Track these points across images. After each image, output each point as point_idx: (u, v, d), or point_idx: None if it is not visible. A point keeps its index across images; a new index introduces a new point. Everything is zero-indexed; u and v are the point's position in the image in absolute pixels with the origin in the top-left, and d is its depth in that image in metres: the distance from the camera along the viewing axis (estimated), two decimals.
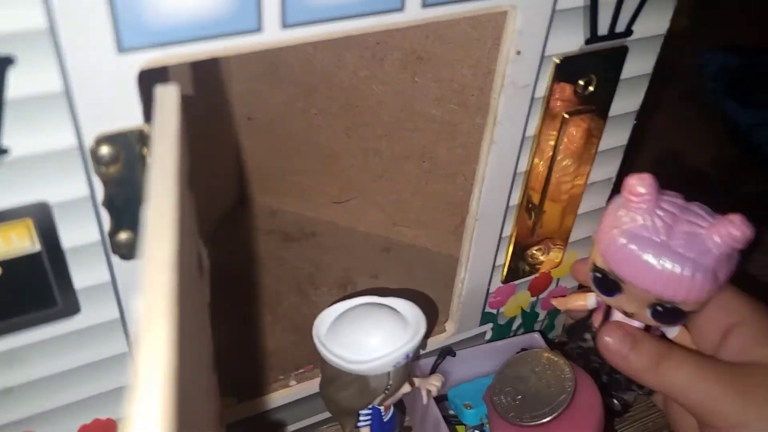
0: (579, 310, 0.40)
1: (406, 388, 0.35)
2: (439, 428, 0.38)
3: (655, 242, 0.33)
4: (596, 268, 0.36)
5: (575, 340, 0.40)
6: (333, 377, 0.33)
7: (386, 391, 0.33)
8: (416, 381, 0.38)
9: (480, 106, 0.40)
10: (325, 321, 0.34)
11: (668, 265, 0.32)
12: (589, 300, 0.39)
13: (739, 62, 0.77)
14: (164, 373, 0.15)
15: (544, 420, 0.34)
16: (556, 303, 0.42)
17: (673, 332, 0.37)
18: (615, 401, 0.39)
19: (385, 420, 0.36)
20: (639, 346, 0.35)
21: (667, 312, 0.34)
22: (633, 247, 0.33)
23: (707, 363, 0.35)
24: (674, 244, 0.32)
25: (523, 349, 0.41)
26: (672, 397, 0.35)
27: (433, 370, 0.42)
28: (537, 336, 0.44)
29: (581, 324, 0.41)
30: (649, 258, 0.33)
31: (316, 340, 0.33)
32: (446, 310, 0.43)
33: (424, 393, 0.38)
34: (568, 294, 0.44)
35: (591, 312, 0.40)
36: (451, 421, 0.42)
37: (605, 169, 0.39)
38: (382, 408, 0.36)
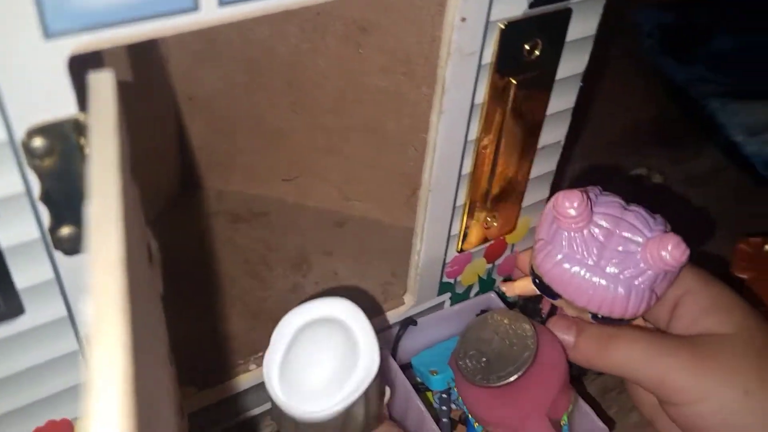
0: (527, 294, 0.41)
1: (387, 394, 0.34)
2: (409, 397, 0.38)
3: (588, 264, 0.33)
4: (534, 275, 0.36)
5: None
6: (306, 427, 0.30)
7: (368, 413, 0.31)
8: None
9: (426, 75, 0.40)
10: (272, 371, 0.30)
11: (601, 286, 0.33)
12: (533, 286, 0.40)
13: (673, 18, 0.78)
14: (120, 372, 0.15)
15: (511, 379, 0.35)
16: (504, 289, 0.41)
17: None
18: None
19: None
20: (586, 333, 0.36)
21: (608, 320, 0.35)
22: (566, 266, 0.33)
23: (658, 339, 0.35)
24: (607, 264, 0.32)
25: (483, 311, 0.41)
26: (627, 378, 0.36)
27: (396, 342, 0.42)
28: (494, 296, 0.44)
29: (532, 305, 0.41)
30: (582, 279, 0.33)
31: (279, 403, 0.29)
32: (403, 282, 0.42)
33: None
34: (516, 262, 0.44)
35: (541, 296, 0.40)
36: (419, 389, 0.42)
37: (554, 133, 0.40)
38: None
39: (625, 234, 0.33)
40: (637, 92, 0.74)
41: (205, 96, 0.46)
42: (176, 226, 0.46)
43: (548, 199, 0.42)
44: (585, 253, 0.33)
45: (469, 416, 0.38)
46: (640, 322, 0.38)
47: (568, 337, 0.36)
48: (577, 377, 0.41)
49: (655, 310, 0.37)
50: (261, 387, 0.39)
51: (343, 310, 0.32)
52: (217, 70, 0.44)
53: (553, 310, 0.38)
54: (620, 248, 0.32)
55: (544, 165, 0.41)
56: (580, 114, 0.40)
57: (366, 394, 0.30)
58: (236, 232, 0.47)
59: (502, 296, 0.45)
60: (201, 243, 0.46)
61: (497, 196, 0.40)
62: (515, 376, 0.35)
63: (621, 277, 0.32)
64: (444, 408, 0.40)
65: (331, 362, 0.30)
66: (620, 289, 0.32)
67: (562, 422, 0.36)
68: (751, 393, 0.32)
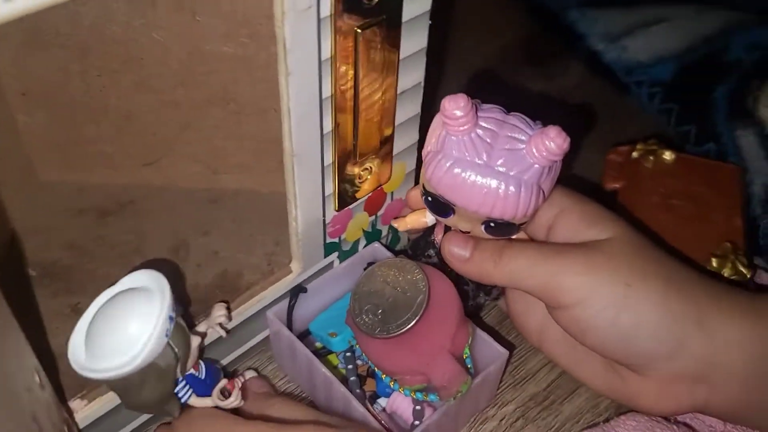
0: (420, 228, 0.41)
1: (195, 341, 0.34)
2: (311, 365, 0.38)
3: (477, 164, 0.33)
4: (426, 192, 0.36)
5: (419, 257, 0.41)
6: (125, 386, 0.31)
7: (178, 359, 0.32)
8: (202, 325, 0.37)
9: (271, 35, 0.38)
10: (77, 348, 0.32)
11: (492, 185, 0.33)
12: (428, 217, 0.40)
13: None
14: None
15: (410, 325, 0.35)
16: (396, 225, 0.41)
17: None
18: (478, 297, 0.41)
19: (202, 378, 0.35)
20: (480, 246, 0.36)
21: (500, 227, 0.35)
22: (456, 171, 0.33)
23: (545, 247, 0.36)
24: (496, 163, 0.33)
25: (370, 263, 0.41)
26: (519, 287, 0.36)
27: (290, 312, 0.41)
28: (378, 246, 0.44)
29: (423, 240, 0.41)
30: (473, 181, 0.33)
31: (78, 369, 0.31)
32: (288, 250, 0.41)
33: (218, 329, 0.37)
34: (404, 208, 0.44)
35: (432, 228, 0.40)
36: (321, 354, 0.42)
37: (412, 76, 0.39)
38: (192, 370, 0.34)
39: (510, 134, 0.33)
40: (499, 17, 0.74)
41: (41, 89, 0.42)
42: (39, 231, 0.43)
43: (419, 142, 0.42)
44: (474, 154, 0.33)
45: (376, 370, 0.38)
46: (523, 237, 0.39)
47: (463, 252, 0.36)
48: (474, 313, 0.42)
49: (534, 234, 0.38)
50: None
51: (146, 278, 0.33)
52: (48, 60, 0.41)
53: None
54: (507, 147, 0.33)
55: (409, 108, 0.40)
56: (442, 50, 0.39)
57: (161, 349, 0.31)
58: (105, 227, 0.44)
59: (386, 245, 0.45)
60: (67, 245, 0.43)
61: (366, 149, 0.39)
62: (413, 322, 0.35)
63: (510, 174, 0.32)
64: (350, 366, 0.40)
65: (130, 326, 0.30)
66: (511, 187, 0.32)
67: (465, 356, 0.37)
68: (632, 286, 0.34)
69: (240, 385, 0.37)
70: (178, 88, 0.42)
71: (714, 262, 0.44)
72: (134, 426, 0.38)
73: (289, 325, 0.41)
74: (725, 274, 0.44)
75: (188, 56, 0.40)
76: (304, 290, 0.42)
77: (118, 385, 0.31)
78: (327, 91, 0.34)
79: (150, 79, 0.41)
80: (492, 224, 0.35)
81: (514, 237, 0.37)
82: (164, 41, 0.39)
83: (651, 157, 0.53)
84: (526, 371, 0.44)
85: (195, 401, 0.34)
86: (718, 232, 0.47)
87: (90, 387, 0.35)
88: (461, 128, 0.33)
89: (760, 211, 0.52)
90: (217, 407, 0.35)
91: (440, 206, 0.35)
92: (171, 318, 0.31)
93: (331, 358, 0.42)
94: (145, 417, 0.38)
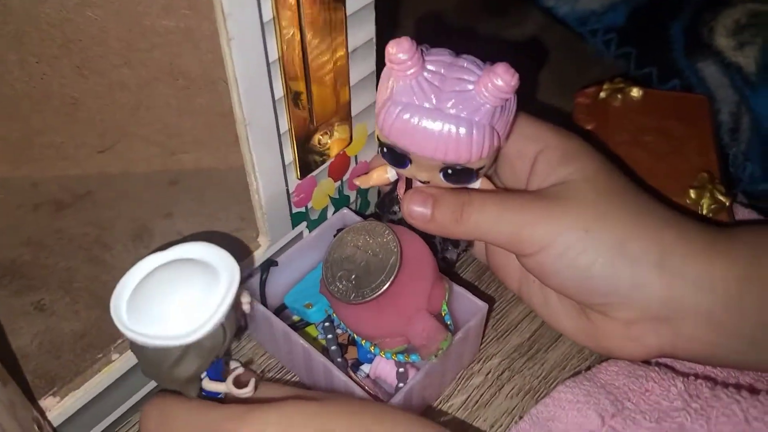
0: (383, 184, 0.40)
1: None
2: (289, 338, 0.37)
3: (426, 108, 0.32)
4: (381, 143, 0.35)
5: (386, 214, 0.40)
6: (159, 357, 0.30)
7: (224, 342, 0.31)
8: None
9: (210, 4, 0.36)
10: (122, 299, 0.30)
11: (444, 128, 0.32)
12: (390, 172, 0.39)
13: None
14: None
15: (384, 287, 0.34)
16: (359, 182, 0.41)
17: (475, 186, 0.37)
18: (449, 252, 0.40)
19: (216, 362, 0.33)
20: (440, 203, 0.35)
21: (458, 173, 0.34)
22: (406, 117, 0.32)
23: (507, 197, 0.35)
24: (445, 106, 0.32)
25: (339, 230, 0.40)
26: (485, 240, 0.36)
27: (262, 287, 0.40)
28: (347, 211, 0.43)
29: (389, 197, 0.40)
30: (423, 126, 0.32)
31: (121, 328, 0.29)
32: (254, 224, 0.40)
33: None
34: (369, 169, 0.43)
35: (396, 183, 0.39)
36: (300, 326, 0.41)
37: (362, 32, 0.37)
38: None
39: (459, 76, 0.32)
40: None
41: None
42: None
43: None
44: (423, 98, 0.32)
45: (356, 337, 0.37)
46: (497, 184, 0.38)
47: (424, 210, 0.36)
48: (447, 269, 0.41)
49: (517, 171, 0.38)
50: (132, 372, 0.36)
51: (212, 254, 0.32)
52: None
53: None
54: (456, 88, 0.32)
55: (363, 67, 0.39)
56: (394, 2, 0.38)
57: (222, 325, 0.30)
58: (63, 220, 0.43)
59: (355, 210, 0.44)
60: (24, 242, 0.41)
61: (323, 112, 0.38)
62: (387, 284, 0.34)
63: (461, 116, 0.32)
64: (329, 336, 0.39)
65: (187, 297, 0.29)
66: (461, 129, 0.32)
67: (443, 312, 0.36)
68: (591, 231, 0.34)
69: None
70: (122, 67, 0.40)
71: (692, 194, 0.44)
72: (112, 420, 0.37)
73: (263, 300, 0.40)
74: (704, 205, 0.44)
75: (128, 33, 0.39)
76: (275, 264, 0.41)
77: (152, 354, 0.29)
78: (273, 55, 0.33)
79: (91, 61, 0.40)
80: (449, 171, 0.34)
81: (480, 187, 0.36)
82: (101, 20, 0.38)
83: (619, 96, 0.52)
84: (508, 323, 0.44)
85: (208, 385, 0.32)
86: (693, 163, 0.46)
87: (61, 384, 0.34)
88: (407, 72, 0.32)
89: (728, 140, 0.52)
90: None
91: (396, 156, 0.34)
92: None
93: (310, 329, 0.41)
94: (122, 410, 0.37)
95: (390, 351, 0.36)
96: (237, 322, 0.32)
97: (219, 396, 0.33)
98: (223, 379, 0.32)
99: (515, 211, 0.35)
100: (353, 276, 0.35)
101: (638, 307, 0.34)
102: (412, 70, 0.32)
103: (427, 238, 0.37)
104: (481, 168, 0.34)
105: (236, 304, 0.32)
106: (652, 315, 0.34)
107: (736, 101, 0.52)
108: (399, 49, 0.31)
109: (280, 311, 0.41)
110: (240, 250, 0.40)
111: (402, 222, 0.38)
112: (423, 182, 0.36)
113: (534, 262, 0.35)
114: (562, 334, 0.40)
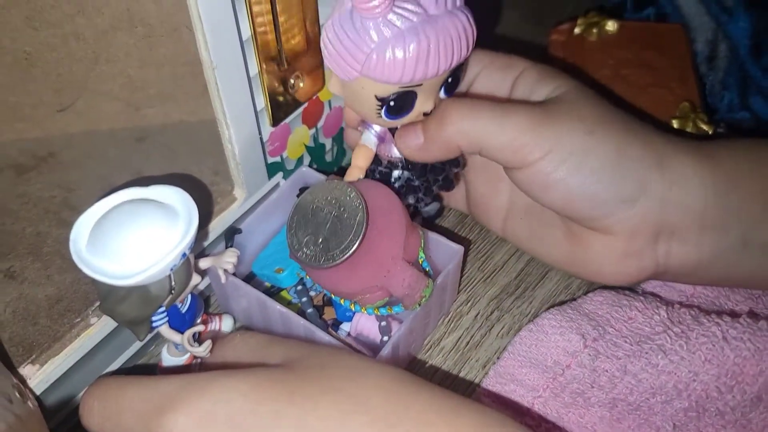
0: (370, 160, 0.37)
1: (195, 279, 0.32)
2: (264, 305, 0.36)
3: (426, 22, 0.30)
4: (383, 98, 0.32)
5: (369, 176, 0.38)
6: (107, 291, 0.29)
7: (171, 294, 0.30)
8: (207, 261, 0.35)
9: None
10: (82, 230, 0.29)
11: (452, 29, 0.31)
12: (370, 143, 0.37)
13: None
14: None
15: (354, 247, 0.32)
16: (351, 176, 0.37)
17: None
18: (426, 209, 0.39)
19: (183, 311, 0.32)
20: (430, 124, 0.34)
21: (456, 79, 0.34)
22: (414, 44, 0.30)
23: (499, 107, 0.34)
24: (431, 11, 0.30)
25: (302, 189, 0.39)
26: (482, 149, 0.34)
27: None
28: (305, 169, 0.41)
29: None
30: (437, 39, 0.30)
31: (74, 257, 0.28)
32: (229, 177, 0.39)
33: (221, 273, 0.35)
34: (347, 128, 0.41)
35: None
36: (273, 292, 0.39)
37: None
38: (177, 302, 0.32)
39: None
40: None
41: None
42: None
43: None
44: (415, 16, 0.30)
45: (333, 296, 0.36)
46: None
47: (416, 139, 0.34)
48: (437, 213, 0.40)
49: (494, 91, 0.37)
50: (115, 334, 0.35)
51: (177, 200, 0.30)
52: None
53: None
54: None
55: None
56: None
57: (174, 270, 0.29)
58: (26, 184, 0.41)
59: (316, 168, 0.42)
60: None
61: (293, 55, 0.36)
62: (357, 243, 0.32)
63: (451, 8, 0.31)
64: (304, 299, 0.38)
65: (144, 238, 0.28)
66: (462, 19, 0.31)
67: (420, 260, 0.35)
68: (594, 132, 0.33)
69: (216, 327, 0.35)
70: (76, 17, 0.38)
71: (675, 124, 0.44)
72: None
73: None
74: None
75: None
76: (239, 231, 0.39)
77: (101, 287, 0.29)
78: None
79: (43, 12, 0.37)
80: (450, 79, 0.33)
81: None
82: None
83: (594, 30, 0.51)
84: (494, 264, 0.43)
85: (165, 331, 0.32)
86: (674, 94, 0.46)
87: (39, 350, 0.33)
88: (384, 5, 0.29)
89: (705, 69, 0.51)
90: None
91: (404, 100, 0.32)
92: (184, 254, 0.29)
93: (284, 295, 0.40)
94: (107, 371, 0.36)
95: (371, 306, 0.35)
96: (188, 277, 0.31)
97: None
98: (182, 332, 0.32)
99: (509, 119, 0.33)
100: (320, 239, 0.34)
101: (640, 211, 0.34)
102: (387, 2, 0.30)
103: (411, 181, 0.36)
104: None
105: (194, 261, 0.31)
106: (653, 222, 0.34)
107: (713, 29, 0.51)
108: None
109: (248, 281, 0.39)
110: (214, 204, 0.39)
111: (387, 176, 0.37)
112: (426, 114, 0.34)
113: (532, 172, 0.34)
114: (552, 265, 0.39)
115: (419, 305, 0.34)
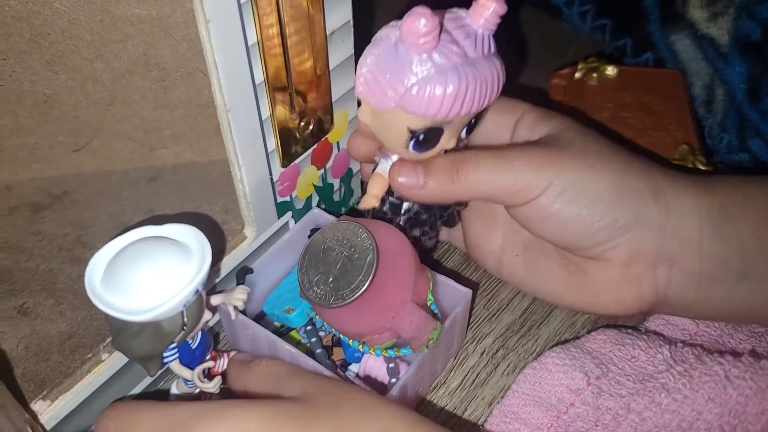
0: (385, 189, 0.38)
1: (206, 316, 0.32)
2: (274, 345, 0.36)
3: (466, 64, 0.31)
4: (414, 131, 0.33)
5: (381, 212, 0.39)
6: (120, 327, 0.30)
7: (183, 330, 0.30)
8: (218, 298, 0.35)
9: None
10: (97, 267, 0.30)
11: (488, 73, 0.32)
12: (386, 173, 0.37)
13: None
14: None
15: (364, 287, 0.33)
16: (365, 205, 0.38)
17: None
18: (427, 240, 0.40)
19: (194, 347, 0.33)
20: (431, 168, 0.35)
21: (477, 120, 0.35)
22: (455, 84, 0.31)
23: (499, 151, 0.36)
24: (470, 54, 0.32)
25: (314, 230, 0.39)
26: (482, 195, 0.36)
27: None
28: (317, 211, 0.42)
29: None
30: (470, 80, 0.32)
31: (89, 293, 0.29)
32: (239, 216, 0.40)
33: (231, 310, 0.36)
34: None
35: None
36: (282, 333, 0.40)
37: (340, 13, 0.37)
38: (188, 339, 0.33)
39: (458, 23, 0.32)
40: None
41: None
42: None
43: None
44: (457, 58, 0.31)
45: (341, 336, 0.36)
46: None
47: (416, 178, 0.35)
48: (428, 257, 0.41)
49: (497, 136, 0.38)
50: (125, 370, 0.35)
51: (192, 238, 0.31)
52: None
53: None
54: (464, 34, 0.32)
55: (342, 50, 0.39)
56: None
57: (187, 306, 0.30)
58: (41, 222, 0.42)
59: (326, 209, 0.43)
60: (5, 246, 0.40)
61: (303, 98, 0.37)
62: (367, 284, 0.33)
63: (486, 54, 0.33)
64: (313, 339, 0.38)
65: (158, 275, 0.29)
66: (497, 64, 0.33)
67: (429, 302, 0.36)
68: (594, 166, 0.35)
69: (224, 365, 0.35)
70: (94, 61, 0.39)
71: None
72: None
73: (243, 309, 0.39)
74: None
75: (100, 24, 0.38)
76: (250, 271, 0.39)
77: (114, 322, 0.30)
78: (252, 38, 0.32)
79: (63, 56, 0.39)
80: (473, 120, 0.35)
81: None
82: (70, 11, 0.37)
83: (594, 75, 0.52)
84: (498, 303, 0.43)
85: (176, 367, 0.32)
86: (673, 137, 0.47)
87: (50, 386, 0.33)
88: (433, 42, 0.31)
89: (703, 112, 0.53)
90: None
91: (433, 135, 0.34)
92: (197, 291, 0.30)
93: (293, 334, 0.40)
94: None
95: (379, 347, 0.35)
96: (201, 313, 0.32)
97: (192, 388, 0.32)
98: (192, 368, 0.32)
99: (512, 159, 0.35)
100: (330, 279, 0.34)
101: (636, 239, 0.35)
102: (437, 38, 0.31)
103: (418, 214, 0.37)
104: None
105: (206, 298, 0.32)
106: (650, 249, 0.35)
107: (709, 74, 0.53)
108: (424, 22, 0.30)
109: (258, 320, 0.40)
110: (225, 242, 0.40)
111: (396, 208, 0.37)
112: (447, 151, 0.35)
113: (531, 206, 0.35)
114: (550, 300, 0.40)
115: (427, 347, 0.34)
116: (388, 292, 0.34)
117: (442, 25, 0.32)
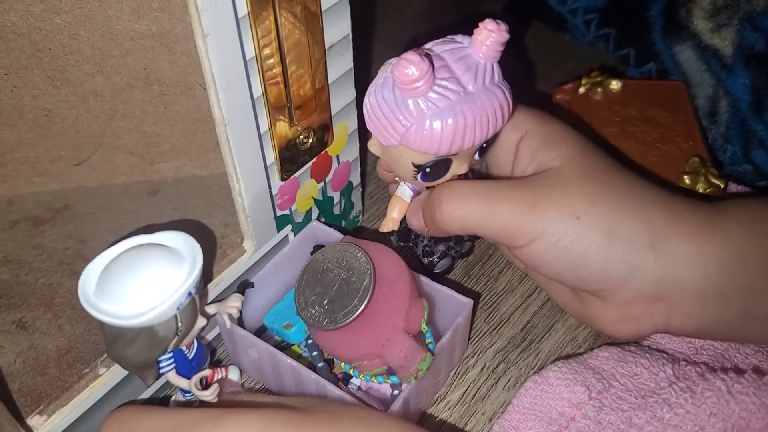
0: (405, 212, 0.38)
1: (201, 322, 0.32)
2: (275, 359, 0.36)
3: (465, 99, 0.31)
4: (419, 165, 0.34)
5: (407, 240, 0.40)
6: (115, 335, 0.30)
7: (178, 335, 0.30)
8: (213, 308, 0.35)
9: (183, 4, 0.36)
10: (91, 276, 0.30)
11: (489, 106, 0.32)
12: (406, 196, 0.38)
13: None
14: None
15: (358, 312, 0.33)
16: (386, 228, 0.38)
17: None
18: (439, 263, 0.40)
19: (190, 357, 0.33)
20: (425, 210, 0.36)
21: (489, 144, 0.35)
22: (451, 120, 0.31)
23: (487, 191, 0.35)
24: (469, 89, 0.32)
25: (317, 246, 0.39)
26: (475, 233, 0.36)
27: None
28: (316, 224, 0.42)
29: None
30: (475, 116, 0.31)
31: (83, 302, 0.29)
32: (238, 229, 0.39)
33: (226, 318, 0.36)
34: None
35: None
36: (284, 346, 0.40)
37: (339, 28, 0.37)
38: (183, 347, 0.33)
39: (457, 56, 0.32)
40: None
41: None
42: None
43: (357, 99, 0.40)
44: (454, 95, 0.31)
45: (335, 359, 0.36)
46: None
47: (419, 223, 0.36)
48: (443, 274, 0.41)
49: (501, 160, 0.38)
50: (123, 384, 0.35)
51: (182, 243, 0.32)
52: None
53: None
54: (464, 67, 0.32)
55: (341, 64, 0.39)
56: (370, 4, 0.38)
57: (179, 311, 0.30)
58: (41, 236, 0.42)
59: (326, 222, 0.43)
60: (5, 260, 0.40)
61: (302, 111, 0.37)
62: (361, 308, 0.33)
63: (488, 85, 0.32)
64: (315, 353, 0.38)
65: (150, 281, 0.29)
66: (499, 95, 0.32)
67: (424, 330, 0.35)
68: (583, 217, 0.33)
69: (221, 375, 0.35)
70: (95, 76, 0.39)
71: (687, 180, 0.44)
72: None
73: (241, 323, 0.38)
74: (699, 189, 0.43)
75: (101, 39, 0.38)
76: (251, 285, 0.39)
77: (109, 331, 0.30)
78: (250, 52, 0.32)
79: (64, 71, 0.39)
80: (484, 145, 0.34)
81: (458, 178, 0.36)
82: (70, 26, 0.37)
83: (599, 89, 0.52)
84: (500, 316, 0.43)
85: (173, 377, 0.32)
86: (682, 149, 0.47)
87: (47, 401, 0.33)
88: (426, 84, 0.31)
89: (707, 124, 0.52)
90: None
91: (440, 166, 0.34)
92: (190, 293, 0.30)
93: (295, 348, 0.40)
94: None
95: (369, 373, 0.35)
96: (194, 317, 0.32)
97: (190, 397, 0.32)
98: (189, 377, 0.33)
99: (498, 205, 0.34)
100: (326, 300, 0.34)
101: (633, 289, 0.34)
102: (430, 81, 0.31)
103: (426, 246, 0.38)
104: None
105: (199, 302, 0.32)
106: (647, 295, 0.34)
107: (713, 85, 0.52)
108: (414, 69, 0.30)
109: (259, 333, 0.39)
110: (225, 256, 0.40)
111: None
112: (461, 176, 0.35)
113: (525, 253, 0.35)
114: (560, 307, 0.40)
115: (415, 378, 0.33)
116: (380, 319, 0.33)
117: (441, 58, 0.32)
